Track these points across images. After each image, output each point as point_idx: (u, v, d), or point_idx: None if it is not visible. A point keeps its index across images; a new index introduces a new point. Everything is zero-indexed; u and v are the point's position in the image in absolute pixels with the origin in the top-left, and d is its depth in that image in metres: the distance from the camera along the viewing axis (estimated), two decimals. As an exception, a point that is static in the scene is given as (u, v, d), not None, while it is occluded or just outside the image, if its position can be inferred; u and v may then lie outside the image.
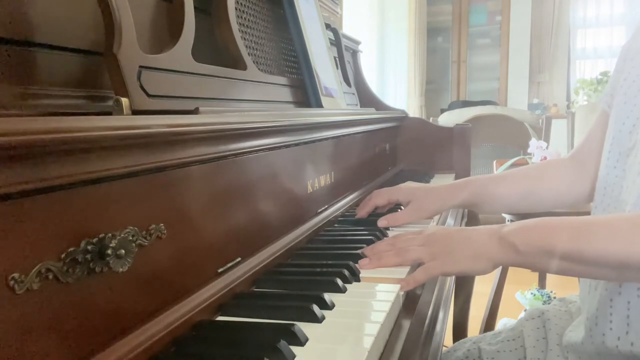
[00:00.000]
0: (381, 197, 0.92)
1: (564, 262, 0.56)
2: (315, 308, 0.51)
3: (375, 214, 0.94)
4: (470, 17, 4.70)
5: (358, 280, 0.64)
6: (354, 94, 1.56)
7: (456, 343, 0.91)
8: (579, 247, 0.55)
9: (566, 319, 0.79)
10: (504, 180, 0.89)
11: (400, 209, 0.94)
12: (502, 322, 1.96)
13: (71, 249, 0.37)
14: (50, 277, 0.35)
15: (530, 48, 4.51)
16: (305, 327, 0.48)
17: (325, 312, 0.52)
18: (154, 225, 0.45)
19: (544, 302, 1.99)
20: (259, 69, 0.85)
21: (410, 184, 0.96)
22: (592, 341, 0.65)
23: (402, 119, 1.60)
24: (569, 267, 0.57)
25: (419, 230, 0.70)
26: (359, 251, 0.71)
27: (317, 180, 0.89)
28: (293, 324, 0.47)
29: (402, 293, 0.60)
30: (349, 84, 1.47)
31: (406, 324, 0.55)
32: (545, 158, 1.66)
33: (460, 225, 1.13)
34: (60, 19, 0.50)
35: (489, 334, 0.90)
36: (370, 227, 0.86)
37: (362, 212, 0.93)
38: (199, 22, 0.68)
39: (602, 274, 0.58)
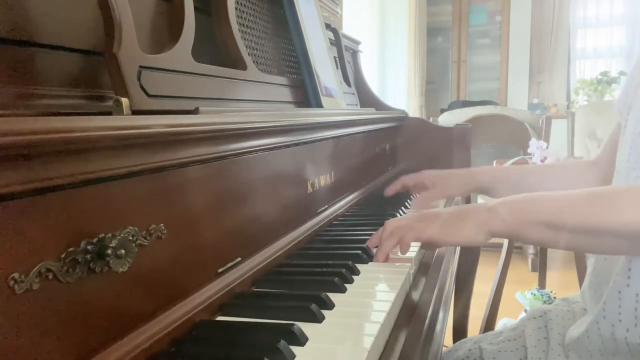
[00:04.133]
0: (410, 178, 1.02)
1: (549, 231, 0.60)
2: (315, 308, 0.51)
3: (380, 213, 0.94)
4: (470, 17, 4.70)
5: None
6: (354, 94, 1.56)
7: (457, 343, 0.91)
8: (560, 216, 0.59)
9: (569, 319, 0.79)
10: (529, 171, 0.96)
11: (410, 199, 1.08)
12: (502, 322, 1.96)
13: (71, 249, 0.37)
14: (50, 277, 0.35)
15: (530, 48, 4.51)
16: (305, 327, 0.48)
17: (325, 312, 0.52)
18: (154, 225, 0.45)
19: (544, 302, 1.99)
20: (259, 69, 0.85)
21: (432, 170, 1.05)
22: (599, 334, 0.66)
23: (402, 119, 1.60)
24: (553, 238, 0.61)
25: (415, 212, 0.76)
26: (365, 244, 0.74)
27: (317, 180, 0.89)
28: (293, 324, 0.47)
29: (402, 293, 0.60)
30: (349, 84, 1.47)
31: (406, 324, 0.55)
32: (545, 158, 1.65)
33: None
34: (60, 19, 0.50)
35: (490, 333, 0.90)
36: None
37: (391, 191, 1.03)
38: (199, 22, 0.68)
39: (582, 242, 0.61)
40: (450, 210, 0.70)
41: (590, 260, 0.75)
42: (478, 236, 0.65)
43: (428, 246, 0.71)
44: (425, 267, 0.73)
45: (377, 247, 0.72)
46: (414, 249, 0.75)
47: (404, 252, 0.69)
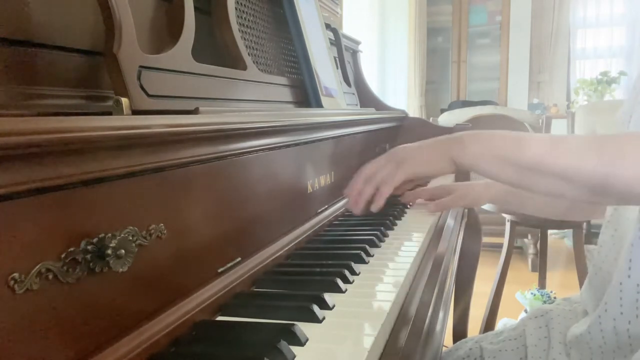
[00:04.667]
0: (426, 192, 1.04)
1: (500, 163, 0.61)
2: (315, 308, 0.51)
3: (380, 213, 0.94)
4: (470, 17, 4.69)
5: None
6: (354, 94, 1.56)
7: (458, 342, 0.92)
8: (521, 153, 0.59)
9: (570, 318, 0.79)
10: None
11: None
12: (502, 322, 1.96)
13: (71, 249, 0.37)
14: (50, 277, 0.35)
15: (530, 48, 4.51)
16: (305, 327, 0.48)
17: (325, 312, 0.52)
18: (154, 225, 0.45)
19: (544, 302, 1.99)
20: (259, 69, 0.85)
21: (447, 183, 1.08)
22: (601, 329, 0.66)
23: (402, 119, 1.60)
24: (501, 170, 0.61)
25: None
26: (344, 193, 0.79)
27: (317, 180, 0.89)
28: (293, 324, 0.47)
29: (402, 294, 0.60)
30: (349, 84, 1.47)
31: (406, 324, 0.55)
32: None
33: (460, 225, 1.14)
34: (60, 19, 0.50)
35: (491, 333, 0.90)
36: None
37: (407, 201, 1.05)
38: (199, 22, 0.68)
39: (530, 180, 0.61)
40: (419, 143, 0.72)
41: (591, 262, 0.75)
42: (442, 164, 0.67)
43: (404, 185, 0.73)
44: (425, 267, 0.73)
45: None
46: (414, 249, 0.75)
47: (378, 206, 0.72)
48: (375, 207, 0.72)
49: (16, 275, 0.32)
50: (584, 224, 2.25)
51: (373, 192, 0.71)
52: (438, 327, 0.59)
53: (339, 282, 0.60)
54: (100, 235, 0.39)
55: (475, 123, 2.38)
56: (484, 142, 0.63)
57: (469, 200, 0.99)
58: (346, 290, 0.60)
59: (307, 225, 0.82)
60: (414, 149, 0.71)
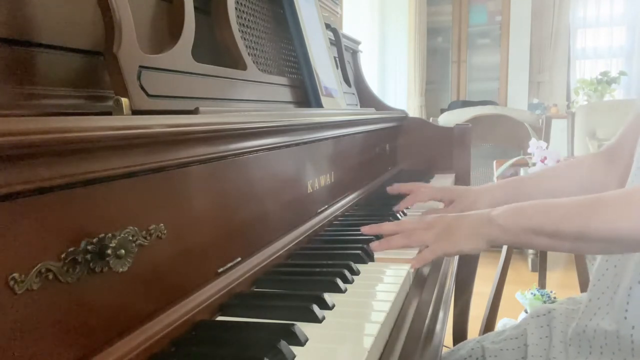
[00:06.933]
0: (423, 195, 1.01)
1: (545, 238, 0.64)
2: (315, 308, 0.51)
3: (380, 213, 0.94)
4: (470, 17, 4.69)
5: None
6: (354, 94, 1.56)
7: (460, 343, 0.92)
8: (557, 225, 0.63)
9: (573, 318, 0.79)
10: (536, 180, 0.97)
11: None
12: (502, 322, 1.96)
13: (71, 249, 0.37)
14: (50, 277, 0.35)
15: (530, 48, 4.50)
16: (305, 327, 0.48)
17: (325, 312, 0.52)
18: (154, 225, 0.45)
19: (544, 302, 1.99)
20: (259, 69, 0.85)
21: (447, 185, 1.07)
22: (604, 329, 0.66)
23: (402, 119, 1.60)
24: (550, 244, 0.65)
25: (420, 216, 0.79)
26: (361, 229, 0.78)
27: (317, 180, 0.89)
28: (293, 324, 0.47)
29: (402, 293, 0.60)
30: (349, 84, 1.47)
31: (406, 324, 0.55)
32: (545, 158, 1.65)
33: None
34: (60, 19, 0.50)
35: (493, 333, 0.90)
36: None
37: (402, 207, 1.02)
38: (199, 22, 0.68)
39: (579, 247, 0.67)
40: (452, 218, 0.73)
41: (594, 263, 0.75)
42: (479, 245, 0.69)
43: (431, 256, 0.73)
44: (425, 268, 0.73)
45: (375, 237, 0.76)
46: (414, 249, 0.75)
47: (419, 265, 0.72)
48: (416, 264, 0.72)
49: (16, 275, 0.32)
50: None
51: (401, 246, 0.73)
52: (438, 326, 0.59)
53: (339, 282, 0.60)
54: (100, 235, 0.39)
55: (475, 123, 2.38)
56: (520, 221, 0.67)
57: (467, 204, 0.98)
58: (346, 290, 0.60)
59: (307, 225, 0.82)
60: (453, 225, 0.71)
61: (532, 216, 0.66)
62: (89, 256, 0.38)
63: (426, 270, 0.73)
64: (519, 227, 0.66)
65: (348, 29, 2.88)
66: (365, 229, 0.78)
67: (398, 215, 0.99)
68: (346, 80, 1.43)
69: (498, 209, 0.69)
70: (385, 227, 0.77)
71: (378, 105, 1.61)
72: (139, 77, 0.53)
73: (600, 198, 0.62)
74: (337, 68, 1.33)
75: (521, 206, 0.68)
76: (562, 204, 0.65)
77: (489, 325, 1.77)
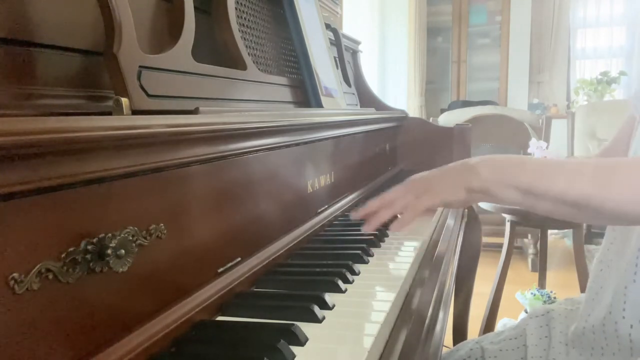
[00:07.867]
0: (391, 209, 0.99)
1: (521, 194, 0.62)
2: (315, 308, 0.51)
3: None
4: (470, 17, 4.69)
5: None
6: (354, 94, 1.56)
7: (459, 344, 0.92)
8: (537, 183, 0.60)
9: (572, 318, 0.79)
10: None
11: None
12: (502, 322, 1.96)
13: (71, 249, 0.37)
14: (50, 277, 0.35)
15: (530, 48, 4.50)
16: (305, 327, 0.48)
17: (325, 312, 0.52)
18: (154, 225, 0.45)
19: (544, 302, 1.99)
20: (259, 69, 0.85)
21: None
22: (603, 330, 0.66)
23: (402, 119, 1.60)
24: (522, 200, 0.62)
25: (402, 184, 0.77)
26: (350, 215, 0.77)
27: (317, 180, 0.89)
28: (293, 324, 0.47)
29: (402, 293, 0.60)
30: (349, 84, 1.47)
31: (406, 324, 0.55)
32: (545, 158, 1.65)
33: (460, 226, 1.14)
34: (60, 19, 0.50)
35: (492, 333, 0.90)
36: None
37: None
38: (199, 22, 0.68)
39: (555, 210, 0.62)
40: (434, 172, 0.72)
41: (594, 263, 0.75)
42: (459, 195, 0.67)
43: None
44: (425, 268, 0.73)
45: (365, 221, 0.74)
46: (414, 250, 0.75)
47: (399, 227, 0.71)
48: (396, 227, 0.71)
49: (16, 275, 0.32)
50: (584, 224, 2.25)
51: (390, 217, 0.72)
52: (438, 326, 0.59)
53: (339, 282, 0.60)
54: (100, 235, 0.39)
55: (475, 123, 2.38)
56: (502, 172, 0.64)
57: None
58: (346, 290, 0.60)
59: (307, 225, 0.82)
60: (431, 179, 0.71)
61: (517, 170, 0.63)
62: (89, 256, 0.38)
63: (426, 271, 0.73)
64: (499, 179, 0.64)
65: (348, 29, 2.88)
66: (354, 215, 0.77)
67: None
68: (346, 80, 1.43)
69: (481, 157, 0.67)
70: (370, 205, 0.76)
71: (378, 105, 1.61)
72: (139, 77, 0.53)
73: (619, 162, 0.59)
74: (337, 68, 1.33)
75: (506, 157, 0.65)
76: (552, 163, 0.63)
77: (488, 325, 1.77)
